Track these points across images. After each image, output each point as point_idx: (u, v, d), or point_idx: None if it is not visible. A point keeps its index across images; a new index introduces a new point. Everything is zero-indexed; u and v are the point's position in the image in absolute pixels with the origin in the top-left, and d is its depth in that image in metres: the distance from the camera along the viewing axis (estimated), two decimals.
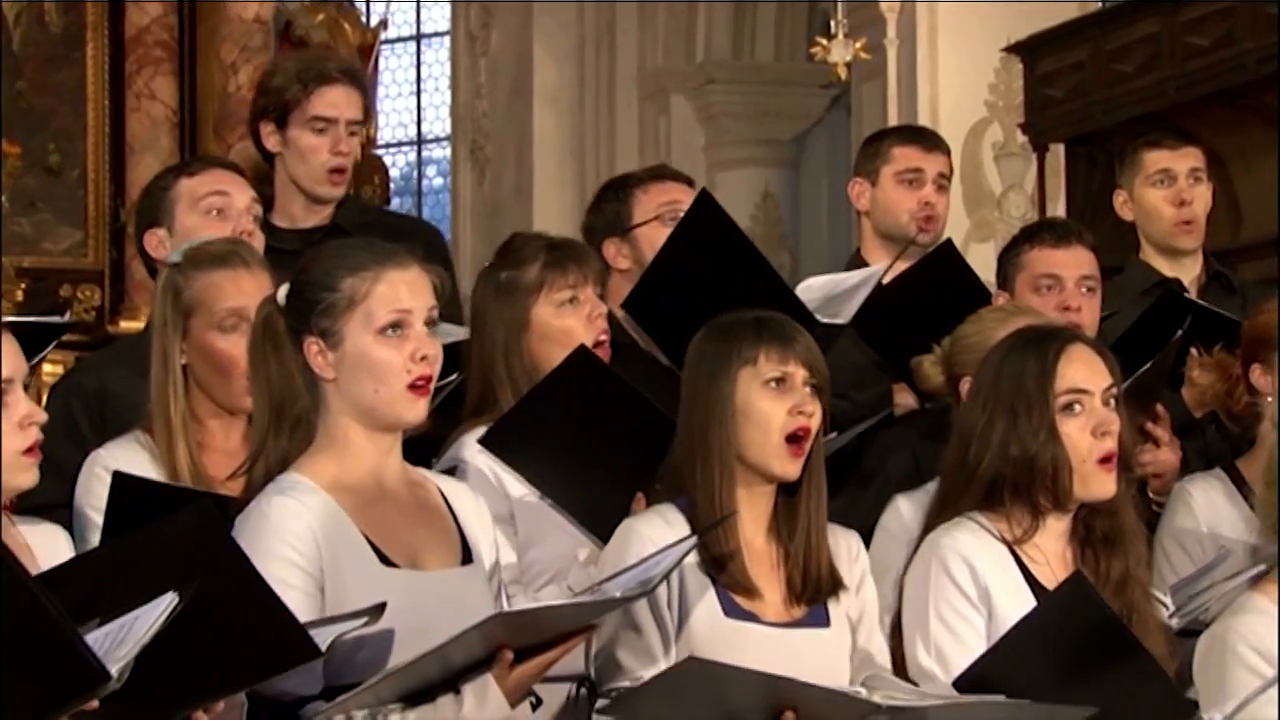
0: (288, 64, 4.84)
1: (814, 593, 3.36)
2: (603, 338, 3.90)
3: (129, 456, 3.55)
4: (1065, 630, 3.20)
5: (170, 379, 3.57)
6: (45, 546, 3.15)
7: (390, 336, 3.07)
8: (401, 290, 3.08)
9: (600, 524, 3.70)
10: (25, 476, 3.01)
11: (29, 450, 2.99)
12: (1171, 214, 4.91)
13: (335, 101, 4.64)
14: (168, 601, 2.59)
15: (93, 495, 3.53)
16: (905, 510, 3.85)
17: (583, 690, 3.55)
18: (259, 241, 4.06)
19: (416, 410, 3.09)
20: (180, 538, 2.69)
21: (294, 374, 3.11)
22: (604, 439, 3.69)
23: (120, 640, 2.56)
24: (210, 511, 2.74)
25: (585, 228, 4.62)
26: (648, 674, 3.25)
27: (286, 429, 3.12)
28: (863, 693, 3.08)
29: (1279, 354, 4.15)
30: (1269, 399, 4.21)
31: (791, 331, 3.39)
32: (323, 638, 2.83)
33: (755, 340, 3.35)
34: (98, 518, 3.42)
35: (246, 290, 3.58)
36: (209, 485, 3.49)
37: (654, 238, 4.40)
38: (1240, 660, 3.50)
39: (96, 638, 2.57)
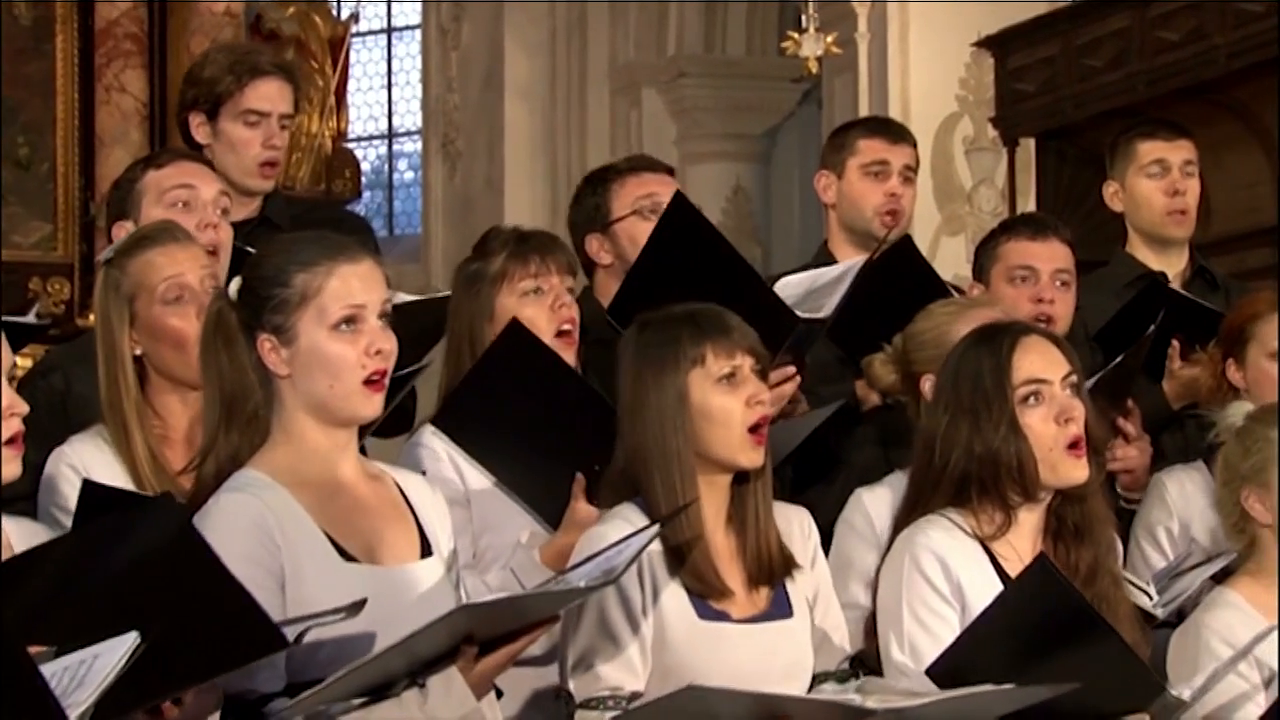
0: (219, 55, 4.79)
1: (769, 575, 3.37)
2: (567, 328, 3.90)
3: (92, 452, 3.54)
4: (1031, 613, 3.22)
5: (120, 371, 3.55)
6: (27, 543, 3.13)
7: (344, 332, 3.06)
8: (354, 285, 3.07)
9: (542, 500, 3.71)
10: (8, 468, 3.00)
11: (11, 441, 2.98)
12: (1164, 204, 4.92)
13: (269, 95, 4.61)
14: (130, 641, 2.58)
15: (57, 494, 3.52)
16: (868, 503, 3.86)
17: (559, 699, 3.54)
18: (226, 234, 4.05)
19: (372, 405, 3.08)
20: (145, 532, 2.68)
21: (246, 369, 3.09)
22: (544, 417, 3.70)
23: (80, 681, 2.54)
24: (175, 507, 2.73)
25: (569, 223, 4.64)
26: (625, 681, 3.26)
27: (238, 425, 3.10)
28: (856, 700, 3.07)
29: (1279, 346, 4.18)
30: (1245, 393, 4.24)
31: (729, 320, 3.38)
32: (295, 631, 2.82)
33: (698, 338, 3.33)
34: (65, 518, 3.40)
35: (181, 260, 3.59)
36: (170, 478, 3.47)
37: (633, 232, 4.40)
38: (1213, 654, 3.53)
39: (54, 671, 2.54)
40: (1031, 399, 3.45)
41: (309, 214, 4.86)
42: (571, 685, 3.32)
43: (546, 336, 3.86)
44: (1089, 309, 4.75)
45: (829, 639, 3.45)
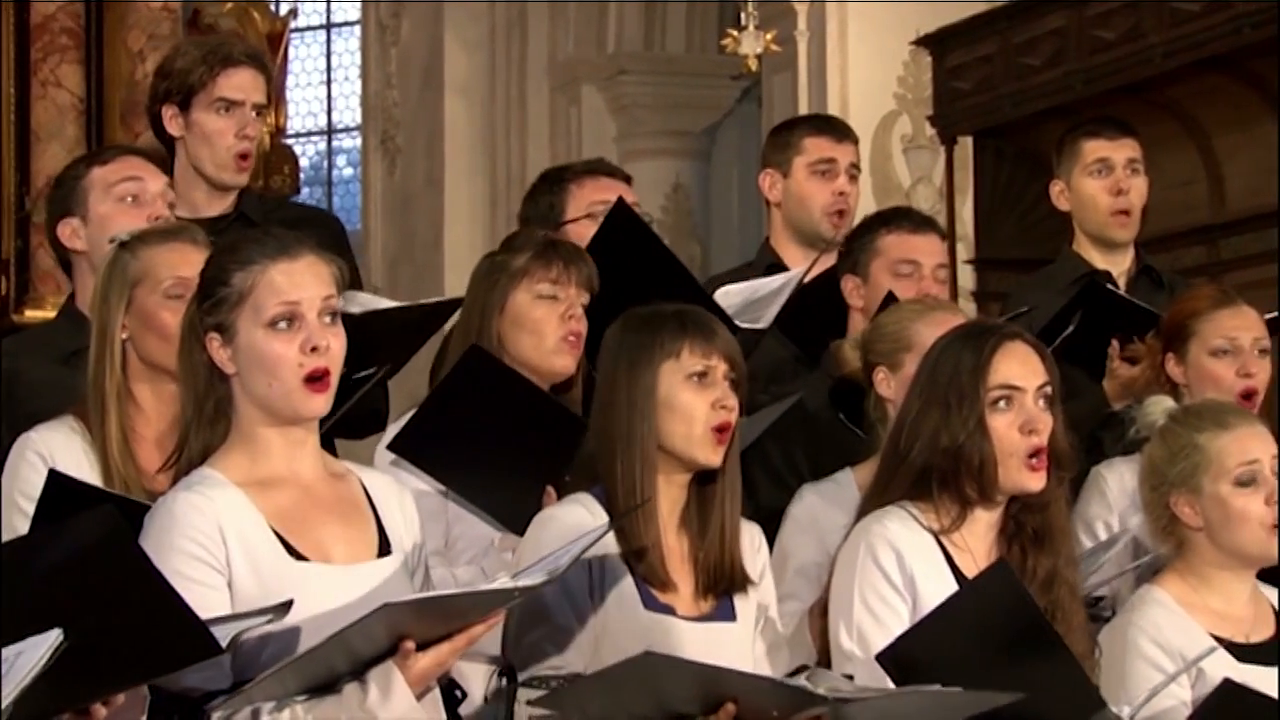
0: (191, 47, 4.77)
1: (725, 587, 3.39)
2: (573, 339, 3.90)
3: (61, 440, 3.53)
4: (985, 616, 3.23)
5: (109, 351, 3.54)
6: None
7: (281, 330, 3.06)
8: (291, 281, 3.07)
9: (510, 513, 3.72)
10: None
11: None
12: (1107, 203, 4.92)
13: (241, 84, 4.59)
14: (53, 639, 2.58)
15: (22, 480, 3.51)
16: (812, 500, 3.88)
17: (504, 679, 3.55)
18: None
19: (313, 404, 3.08)
20: (80, 541, 2.66)
21: (211, 370, 3.11)
22: (510, 436, 3.71)
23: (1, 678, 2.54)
24: (112, 517, 2.71)
25: (520, 217, 4.64)
26: (569, 661, 3.27)
27: (207, 422, 3.12)
28: (808, 685, 3.08)
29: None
30: (1183, 388, 4.27)
31: (713, 325, 3.42)
32: (226, 633, 2.82)
33: (678, 333, 3.37)
34: (27, 505, 3.40)
35: (194, 263, 3.57)
36: (138, 469, 3.48)
37: (584, 234, 4.39)
38: (1140, 653, 3.55)
39: None
40: (1002, 403, 3.47)
41: (281, 210, 4.84)
42: (514, 661, 3.33)
43: (551, 341, 3.86)
44: (1035, 307, 4.78)
45: (773, 654, 3.47)
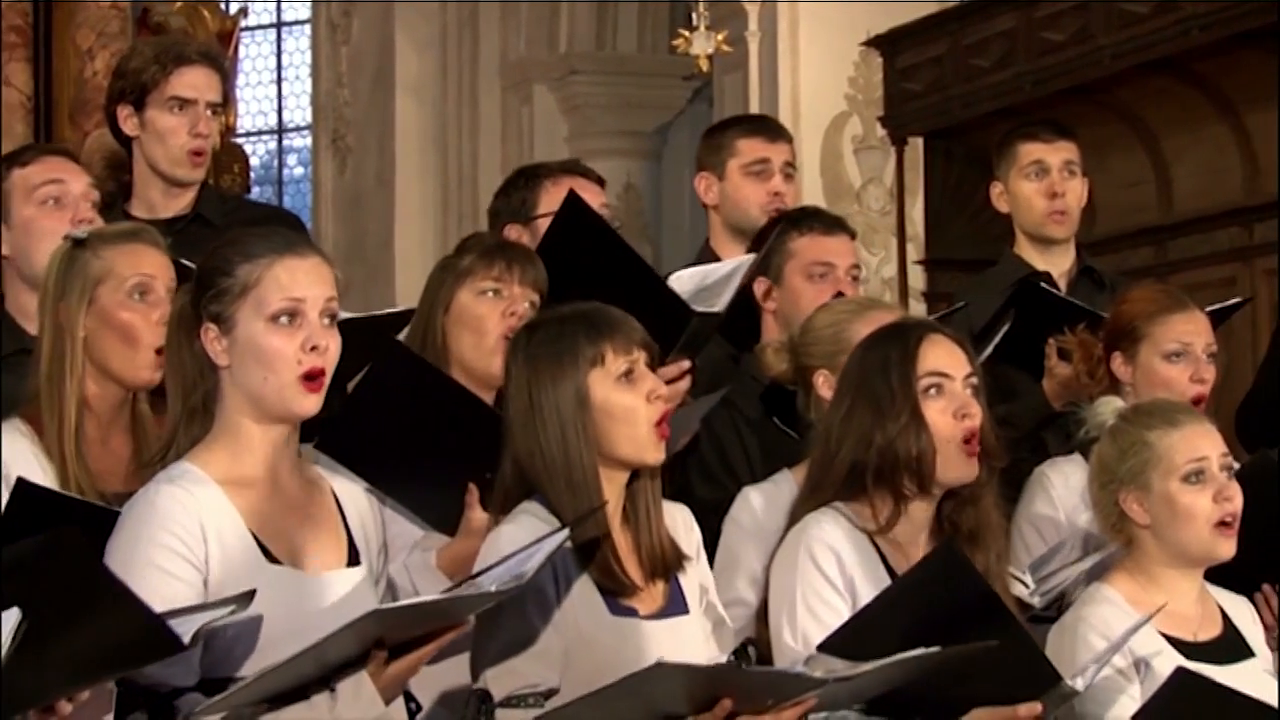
0: (145, 47, 4.77)
1: (663, 570, 3.38)
2: (511, 336, 3.89)
3: (9, 441, 3.49)
4: (934, 598, 3.24)
5: (70, 349, 3.49)
6: None
7: (282, 325, 3.05)
8: (296, 278, 3.07)
9: (433, 511, 3.72)
10: None
11: None
12: (1043, 205, 4.94)
13: (194, 83, 4.58)
14: (13, 620, 2.57)
15: None
16: (755, 502, 3.89)
17: (475, 700, 3.53)
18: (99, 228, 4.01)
19: (306, 403, 3.07)
20: (42, 562, 2.65)
21: (201, 364, 3.10)
22: (432, 433, 3.69)
23: None
24: (71, 539, 2.68)
25: (491, 210, 4.63)
26: (545, 678, 3.24)
27: (194, 419, 3.11)
28: (804, 670, 3.08)
29: None
30: (1127, 387, 4.28)
31: (619, 317, 3.37)
32: (190, 625, 2.81)
33: (595, 338, 3.31)
34: None
35: (155, 263, 3.56)
36: (89, 470, 3.45)
37: None
38: (1091, 648, 3.57)
39: None
40: (933, 390, 3.49)
41: (242, 210, 4.82)
42: (489, 684, 3.28)
43: (491, 338, 3.86)
44: (975, 308, 4.79)
45: (720, 626, 3.48)
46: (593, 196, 4.45)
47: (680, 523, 3.48)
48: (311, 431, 3.90)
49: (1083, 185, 5.02)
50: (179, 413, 3.12)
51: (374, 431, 3.69)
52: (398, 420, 3.69)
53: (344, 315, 4.17)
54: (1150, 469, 3.66)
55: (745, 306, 4.41)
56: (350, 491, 3.23)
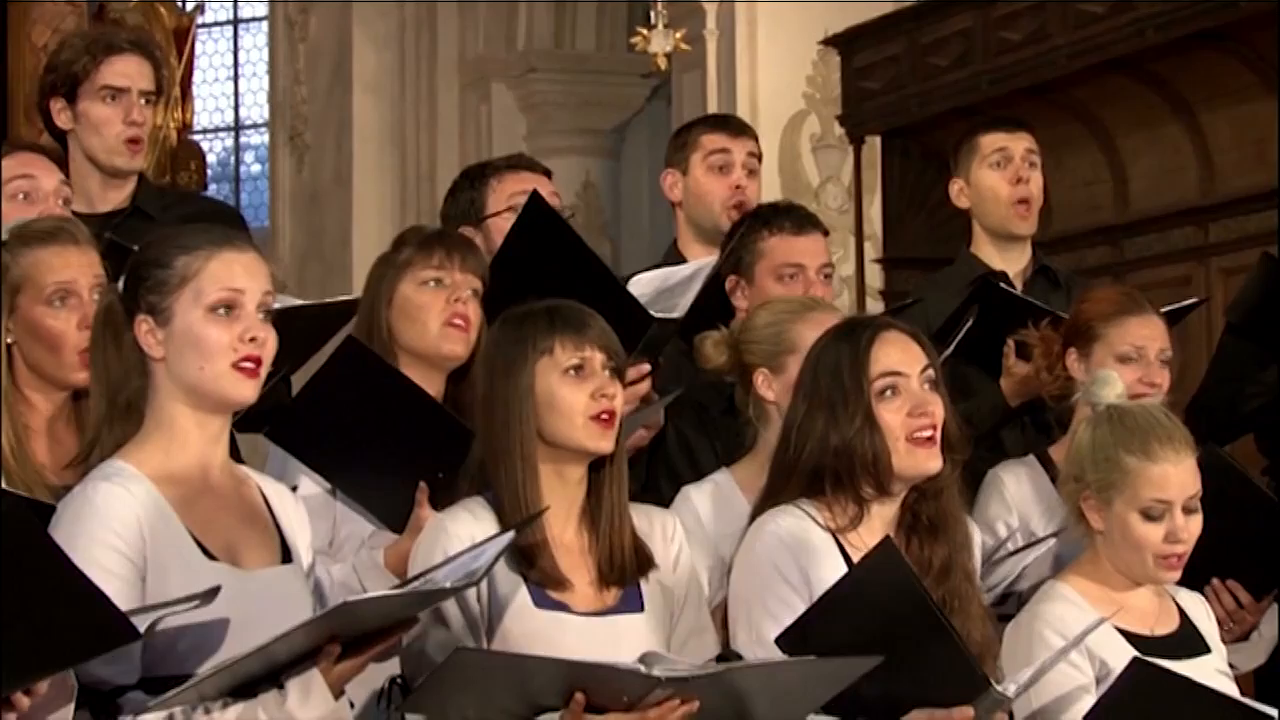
0: (75, 39, 4.74)
1: (620, 575, 3.38)
2: (458, 322, 3.90)
3: None
4: (873, 597, 3.25)
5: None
6: None
7: (220, 316, 3.07)
8: (235, 270, 3.09)
9: (384, 508, 3.72)
10: None
11: None
12: (1008, 193, 4.93)
13: (126, 71, 4.56)
14: None
15: None
16: (695, 500, 3.89)
17: (394, 686, 3.55)
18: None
19: (243, 390, 3.09)
20: None
21: (129, 359, 3.10)
22: (384, 430, 3.70)
23: None
24: (19, 510, 2.69)
25: (441, 214, 4.62)
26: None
27: (120, 416, 3.11)
28: (641, 668, 3.09)
29: None
30: (1080, 384, 4.30)
31: (585, 317, 3.40)
32: (148, 619, 2.82)
33: (549, 330, 3.36)
34: None
35: (74, 265, 3.54)
36: (34, 467, 3.43)
37: (505, 228, 4.39)
38: (1046, 645, 3.58)
39: None
40: (888, 392, 3.49)
41: (182, 204, 4.80)
42: (405, 671, 3.33)
43: (435, 325, 3.88)
44: (932, 307, 4.81)
45: (695, 639, 3.46)
46: (541, 189, 4.44)
47: (659, 529, 3.48)
48: (260, 423, 3.92)
49: (1041, 178, 5.03)
50: (103, 411, 3.12)
51: (327, 424, 3.70)
52: (351, 415, 3.70)
53: (292, 303, 4.18)
54: (1114, 490, 3.65)
55: (719, 302, 4.41)
56: (276, 489, 3.25)
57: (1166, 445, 3.67)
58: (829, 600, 3.30)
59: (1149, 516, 3.64)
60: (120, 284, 3.13)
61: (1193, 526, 3.66)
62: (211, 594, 2.88)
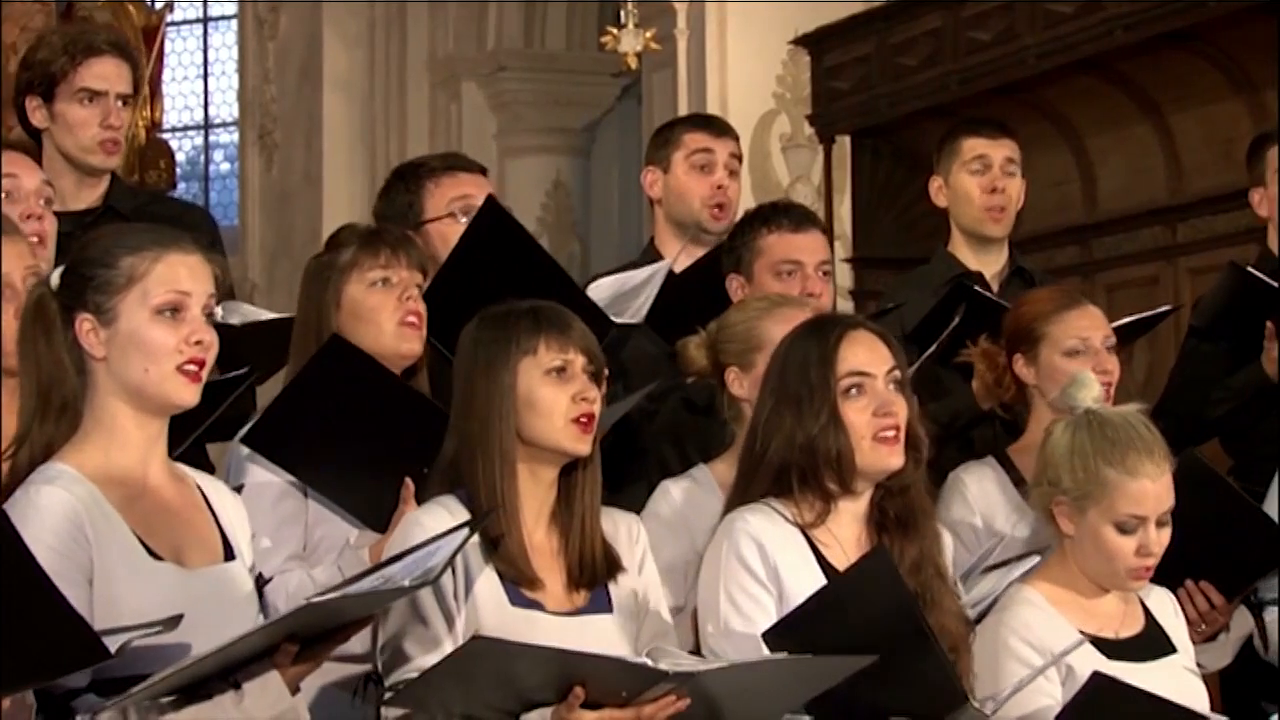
0: (53, 37, 4.71)
1: (591, 577, 3.39)
2: (413, 319, 3.89)
3: None
4: (861, 603, 3.26)
5: None
6: None
7: (166, 318, 3.06)
8: (181, 273, 3.08)
9: (366, 507, 3.71)
10: None
11: None
12: (982, 200, 4.96)
13: (104, 74, 4.54)
14: None
15: None
16: (674, 494, 3.89)
17: (370, 683, 3.55)
18: (50, 225, 3.98)
19: (186, 392, 3.08)
20: None
21: (63, 357, 3.07)
22: (369, 428, 3.69)
23: None
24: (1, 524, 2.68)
25: (376, 214, 4.57)
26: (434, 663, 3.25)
27: (53, 414, 3.08)
28: (649, 662, 3.10)
29: None
30: (1033, 388, 4.31)
31: (568, 319, 3.42)
32: (114, 643, 2.80)
33: (534, 330, 3.37)
34: None
35: (6, 255, 3.50)
36: None
37: (445, 233, 4.37)
38: (1012, 652, 3.58)
39: None
40: (853, 391, 3.50)
41: (153, 204, 4.79)
42: (381, 667, 3.33)
43: (390, 325, 3.86)
44: (908, 306, 4.81)
45: (659, 641, 3.44)
46: (479, 189, 4.44)
47: (625, 531, 3.49)
48: (229, 431, 3.90)
49: (1021, 186, 5.05)
50: (33, 410, 3.10)
51: (308, 426, 3.69)
52: (334, 415, 3.69)
53: (261, 315, 4.16)
54: (1090, 500, 3.64)
55: (720, 301, 4.41)
56: (214, 487, 3.24)
57: (1146, 460, 3.64)
58: (816, 603, 3.30)
59: (1123, 530, 3.64)
60: (55, 283, 3.10)
61: (1163, 538, 3.66)
62: (174, 621, 2.87)
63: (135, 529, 3.04)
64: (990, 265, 5.00)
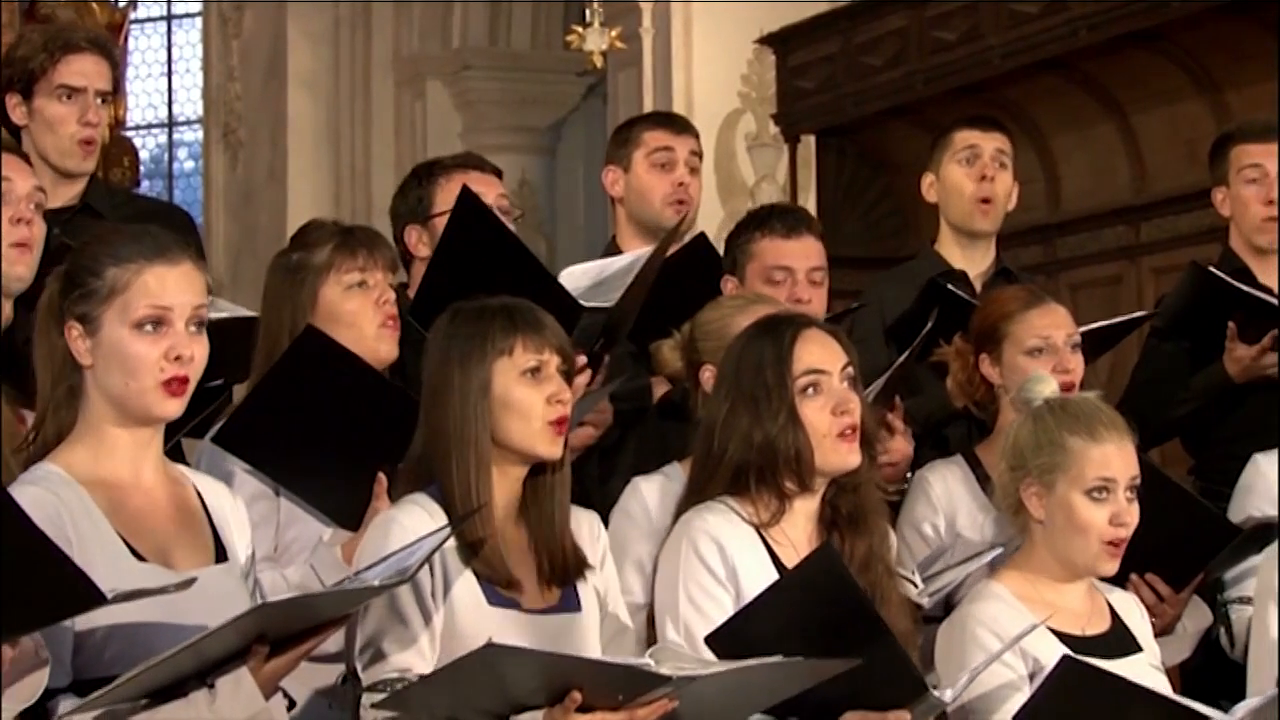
0: (34, 34, 4.71)
1: (563, 576, 3.39)
2: (390, 322, 3.88)
3: None
4: (811, 599, 3.26)
5: None
6: None
7: (147, 332, 3.04)
8: (165, 286, 3.05)
9: (343, 511, 3.69)
10: None
11: None
12: (972, 190, 4.96)
13: (84, 70, 4.54)
14: None
15: None
16: (645, 492, 3.89)
17: (346, 683, 3.54)
18: (39, 230, 3.97)
19: (167, 406, 3.06)
20: None
21: (68, 352, 3.09)
22: (343, 423, 3.67)
23: None
24: None
25: (391, 212, 4.60)
26: (413, 663, 3.25)
27: (64, 403, 3.09)
28: (651, 664, 3.09)
29: None
30: (1000, 388, 4.33)
31: (542, 317, 3.40)
32: (112, 609, 2.82)
33: (509, 330, 3.35)
34: None
35: None
36: None
37: None
38: (979, 644, 3.59)
39: None
40: (810, 390, 3.51)
41: (131, 204, 4.78)
42: (359, 668, 3.32)
43: (370, 329, 3.84)
44: (890, 302, 4.82)
45: (618, 640, 3.47)
46: (489, 189, 4.45)
47: (586, 529, 3.49)
48: (203, 429, 3.89)
49: (1012, 183, 5.05)
50: (48, 396, 3.11)
51: (280, 424, 3.66)
52: (308, 411, 3.66)
53: (242, 312, 4.15)
54: (1059, 472, 3.67)
55: (674, 304, 4.41)
56: (214, 489, 3.23)
57: (1110, 429, 3.69)
58: (762, 601, 3.31)
59: (1094, 497, 3.66)
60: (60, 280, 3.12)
61: (1134, 512, 3.69)
62: (188, 583, 2.87)
63: (121, 531, 3.03)
64: (976, 264, 5.01)
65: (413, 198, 4.53)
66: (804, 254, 4.49)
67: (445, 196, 4.45)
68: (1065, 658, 3.45)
